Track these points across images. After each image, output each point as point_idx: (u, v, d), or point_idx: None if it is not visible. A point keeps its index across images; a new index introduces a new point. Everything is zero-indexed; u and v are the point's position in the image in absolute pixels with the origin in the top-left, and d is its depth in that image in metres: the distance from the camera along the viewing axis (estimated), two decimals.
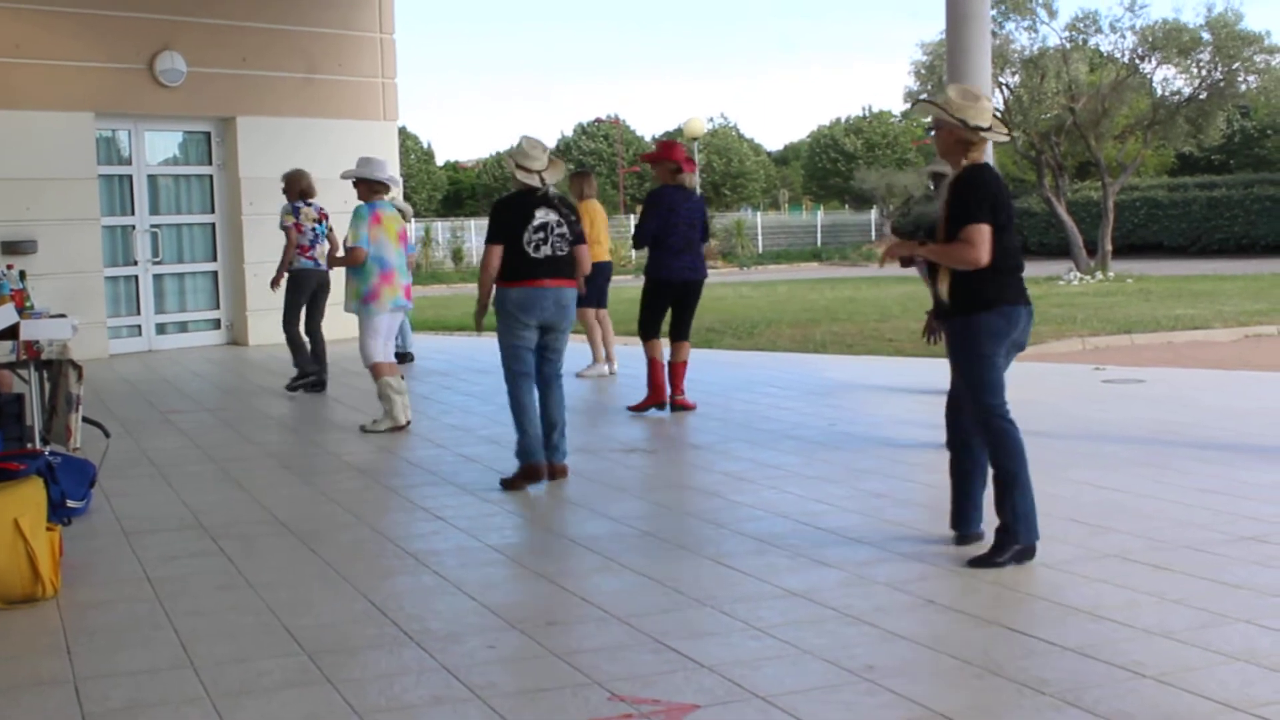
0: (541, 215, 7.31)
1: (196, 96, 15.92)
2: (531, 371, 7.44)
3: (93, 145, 15.28)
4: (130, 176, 16.01)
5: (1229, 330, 17.56)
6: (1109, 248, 30.37)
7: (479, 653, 4.51)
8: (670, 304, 10.00)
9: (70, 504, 6.59)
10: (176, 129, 16.48)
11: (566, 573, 5.53)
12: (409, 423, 9.55)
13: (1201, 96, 30.41)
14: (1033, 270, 29.33)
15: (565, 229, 7.36)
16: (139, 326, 16.15)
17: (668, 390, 10.01)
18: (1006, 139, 5.84)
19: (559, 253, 7.32)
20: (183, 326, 16.63)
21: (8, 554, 5.15)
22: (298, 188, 11.68)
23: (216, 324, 16.88)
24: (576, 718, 3.89)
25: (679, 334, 10.11)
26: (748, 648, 4.51)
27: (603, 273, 12.17)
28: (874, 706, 3.94)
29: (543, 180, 7.37)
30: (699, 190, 9.76)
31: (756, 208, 56.83)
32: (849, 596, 5.14)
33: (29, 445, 7.73)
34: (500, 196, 8.14)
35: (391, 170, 9.67)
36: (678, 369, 10.09)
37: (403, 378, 9.66)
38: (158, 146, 16.46)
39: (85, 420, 7.88)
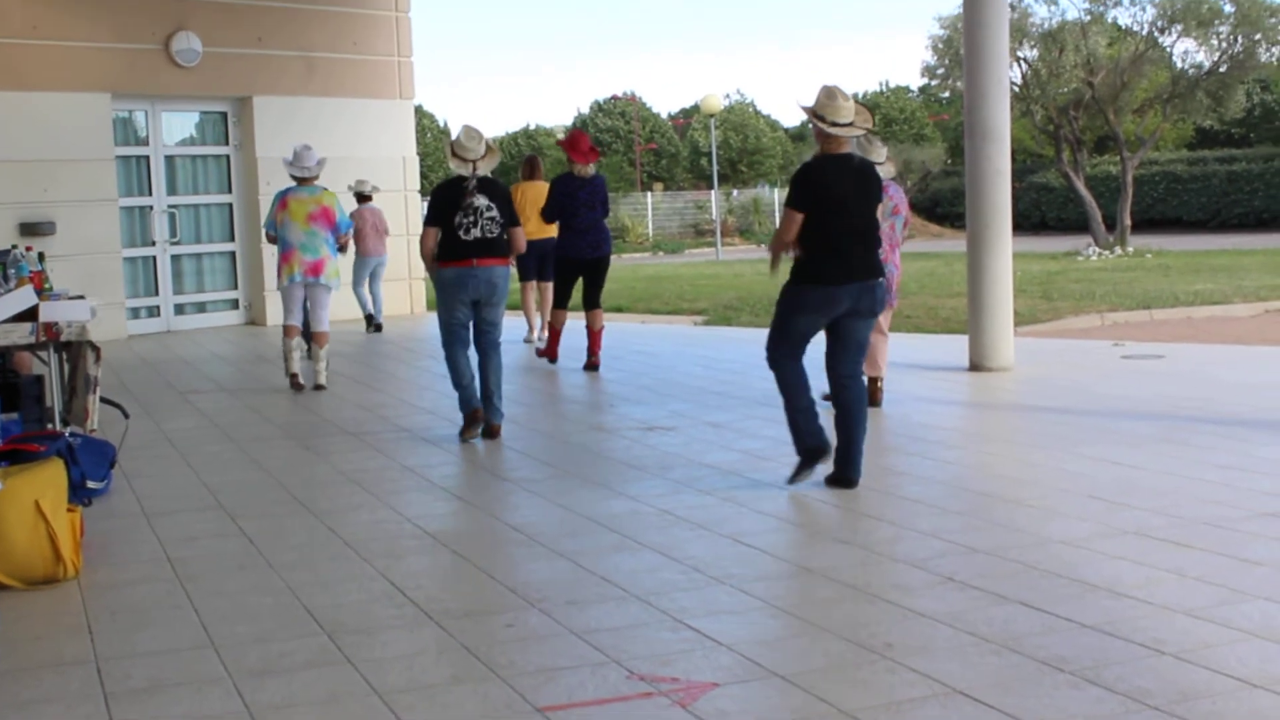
0: (471, 200, 7.90)
1: (212, 76, 15.92)
2: (466, 341, 8.17)
3: (109, 126, 15.30)
4: (147, 157, 16.02)
5: (1249, 305, 17.48)
6: (1128, 222, 30.23)
7: (498, 631, 4.52)
8: (577, 278, 11.30)
9: (91, 485, 6.61)
10: (193, 109, 16.48)
11: (585, 551, 5.54)
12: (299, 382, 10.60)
13: (1222, 69, 30.15)
14: (1051, 245, 29.05)
15: (495, 212, 7.94)
16: (157, 307, 16.19)
17: (560, 354, 11.61)
18: (860, 133, 6.40)
19: (489, 234, 7.92)
20: (201, 307, 16.66)
21: (29, 535, 5.18)
22: None
23: (235, 304, 16.91)
24: (596, 696, 3.90)
25: (590, 304, 11.38)
26: (767, 626, 4.51)
27: (543, 248, 12.38)
28: (893, 684, 3.95)
29: (474, 168, 7.97)
30: (595, 173, 11.28)
31: (773, 184, 56.54)
32: (867, 574, 5.14)
33: (49, 426, 7.76)
34: (439, 182, 8.89)
35: (310, 160, 10.54)
36: (594, 336, 11.32)
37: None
38: (174, 127, 16.46)
39: (105, 401, 7.90)
